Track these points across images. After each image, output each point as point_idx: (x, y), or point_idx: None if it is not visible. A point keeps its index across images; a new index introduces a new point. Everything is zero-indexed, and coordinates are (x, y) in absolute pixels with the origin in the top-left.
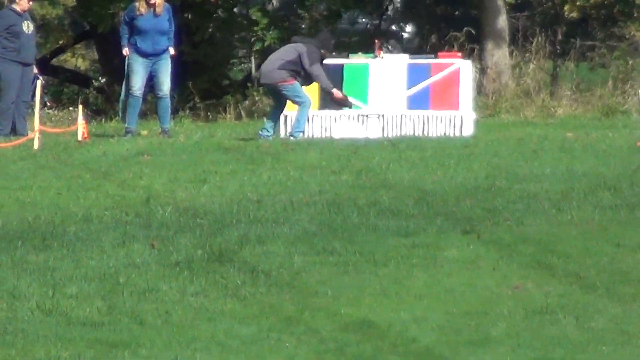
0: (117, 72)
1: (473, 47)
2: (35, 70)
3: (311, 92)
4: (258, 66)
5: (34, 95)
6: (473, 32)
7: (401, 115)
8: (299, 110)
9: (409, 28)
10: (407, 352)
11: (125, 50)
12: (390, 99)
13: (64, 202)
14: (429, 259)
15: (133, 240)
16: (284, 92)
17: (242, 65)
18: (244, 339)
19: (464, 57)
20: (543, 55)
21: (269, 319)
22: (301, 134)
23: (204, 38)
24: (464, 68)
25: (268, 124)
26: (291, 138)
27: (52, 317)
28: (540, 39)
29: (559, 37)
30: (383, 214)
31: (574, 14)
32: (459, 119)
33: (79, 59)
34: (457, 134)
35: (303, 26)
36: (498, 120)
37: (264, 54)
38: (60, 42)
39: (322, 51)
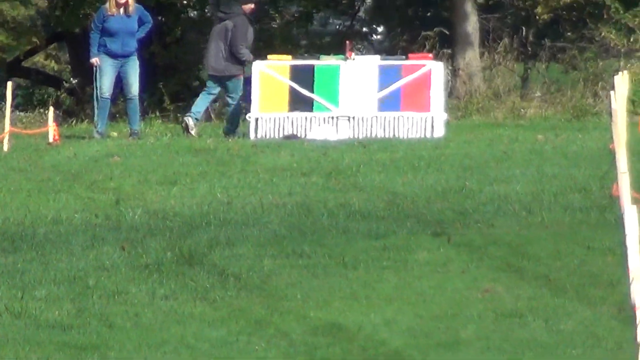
0: (89, 73)
1: (444, 49)
2: None
3: (281, 94)
4: None
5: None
6: (446, 32)
7: (372, 117)
8: (203, 97)
9: (380, 29)
10: (377, 355)
11: (95, 60)
12: (361, 101)
13: (33, 204)
14: (399, 262)
15: (103, 243)
16: (229, 83)
17: None
18: (214, 341)
19: (435, 58)
20: (513, 56)
21: (238, 322)
22: (191, 119)
23: (175, 39)
24: (435, 70)
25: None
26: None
27: (21, 320)
28: (508, 40)
29: (530, 38)
30: (353, 216)
31: (546, 16)
32: (430, 121)
33: (50, 61)
34: (428, 135)
35: (275, 26)
36: (469, 122)
37: None
38: (33, 44)
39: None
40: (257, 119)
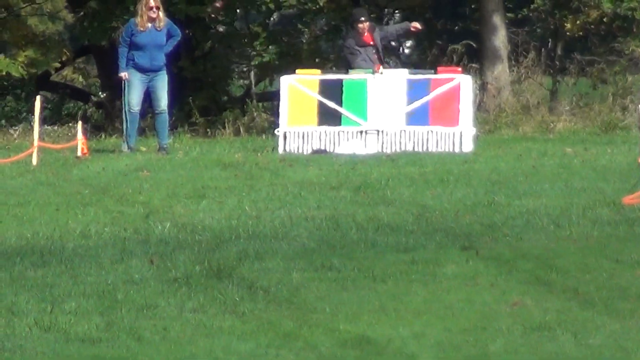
0: (117, 87)
1: (472, 63)
2: None
3: (310, 109)
4: (257, 82)
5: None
6: (474, 45)
7: (400, 131)
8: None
9: (408, 43)
10: None
11: (124, 75)
12: (390, 115)
13: (62, 218)
14: (428, 275)
15: (131, 256)
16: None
17: (241, 81)
18: (242, 355)
19: (463, 72)
20: (542, 70)
21: (267, 335)
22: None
23: (204, 53)
24: (464, 83)
25: None
26: None
27: (50, 334)
28: (536, 54)
29: (558, 52)
30: (382, 229)
31: (575, 31)
32: (459, 135)
33: (79, 75)
34: (457, 150)
35: (303, 41)
36: (497, 136)
37: (263, 69)
38: (61, 59)
39: None
40: (285, 133)
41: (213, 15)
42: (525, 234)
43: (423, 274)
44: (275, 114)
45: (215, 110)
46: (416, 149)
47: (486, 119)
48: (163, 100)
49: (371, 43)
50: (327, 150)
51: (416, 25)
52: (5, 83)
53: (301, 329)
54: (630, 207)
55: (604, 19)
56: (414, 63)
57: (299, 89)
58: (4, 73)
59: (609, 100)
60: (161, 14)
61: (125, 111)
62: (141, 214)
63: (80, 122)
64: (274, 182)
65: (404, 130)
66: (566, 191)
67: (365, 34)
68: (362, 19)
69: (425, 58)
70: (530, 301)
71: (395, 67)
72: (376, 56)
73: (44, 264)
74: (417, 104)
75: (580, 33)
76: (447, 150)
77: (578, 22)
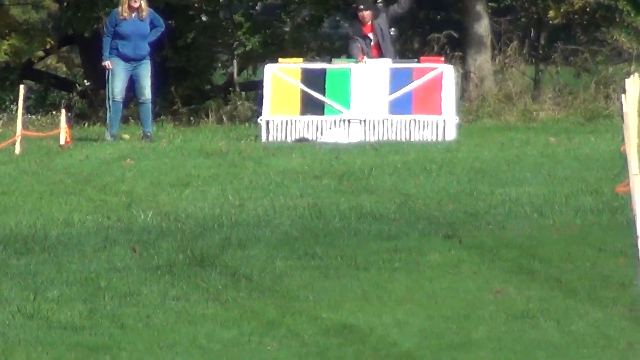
0: (101, 76)
1: (455, 52)
2: None
3: (292, 97)
4: (240, 70)
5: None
6: (455, 35)
7: (383, 120)
8: None
9: (391, 32)
10: (389, 356)
11: (108, 64)
12: (373, 104)
13: (45, 206)
14: (411, 263)
15: (114, 245)
16: None
17: (224, 69)
18: (226, 342)
19: (446, 61)
20: (525, 59)
21: (250, 323)
22: None
23: (187, 43)
24: (446, 72)
25: None
26: None
27: (33, 321)
28: (519, 43)
29: (542, 41)
30: (365, 218)
31: (558, 20)
32: (442, 124)
33: (62, 64)
34: (440, 138)
35: (286, 29)
36: (480, 125)
37: (246, 58)
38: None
39: None
40: (268, 122)
41: (197, 5)
42: (508, 223)
43: (406, 262)
44: (258, 102)
45: (198, 98)
46: (399, 138)
47: (469, 108)
48: (146, 89)
49: (370, 34)
50: (310, 139)
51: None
52: None
53: (284, 316)
54: (615, 196)
55: (587, 9)
56: (397, 52)
57: (281, 77)
58: None
59: (592, 89)
60: (143, 4)
61: (108, 100)
62: (124, 203)
63: (63, 111)
64: (257, 170)
65: (387, 119)
66: (549, 180)
67: (367, 23)
68: (361, 7)
69: (409, 47)
70: (513, 289)
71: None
72: (374, 47)
73: (27, 252)
74: (399, 92)
75: (564, 22)
76: (430, 139)
77: (562, 10)
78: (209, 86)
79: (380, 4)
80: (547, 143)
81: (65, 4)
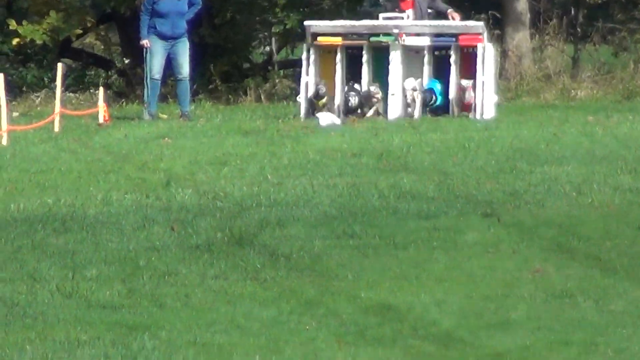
0: (139, 55)
1: (494, 31)
2: None
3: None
4: (279, 49)
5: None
6: (498, 15)
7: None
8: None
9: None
10: (427, 335)
11: (145, 42)
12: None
13: (84, 185)
14: (449, 242)
15: (153, 223)
16: None
17: (263, 48)
18: (264, 321)
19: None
20: (563, 38)
21: (289, 302)
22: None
23: (224, 20)
24: (486, 51)
25: None
26: None
27: (72, 300)
28: (557, 21)
29: (580, 19)
30: (403, 197)
31: None
32: (480, 102)
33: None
34: (479, 117)
35: (325, 7)
36: (519, 104)
37: (285, 36)
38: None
39: None
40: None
41: None
42: (547, 201)
43: (444, 241)
44: (297, 81)
45: (236, 77)
46: (438, 116)
47: (507, 86)
48: (184, 67)
49: (408, 10)
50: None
51: (454, 15)
52: (28, 51)
53: (323, 296)
54: None
55: None
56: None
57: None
58: (27, 40)
59: (630, 67)
60: None
61: (146, 78)
62: (162, 181)
63: (102, 89)
64: (295, 149)
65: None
66: (588, 158)
67: None
68: None
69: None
70: (552, 268)
71: None
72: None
73: (65, 230)
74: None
75: (602, 1)
76: (469, 117)
77: None
78: (247, 64)
79: None
80: (586, 122)
81: None
